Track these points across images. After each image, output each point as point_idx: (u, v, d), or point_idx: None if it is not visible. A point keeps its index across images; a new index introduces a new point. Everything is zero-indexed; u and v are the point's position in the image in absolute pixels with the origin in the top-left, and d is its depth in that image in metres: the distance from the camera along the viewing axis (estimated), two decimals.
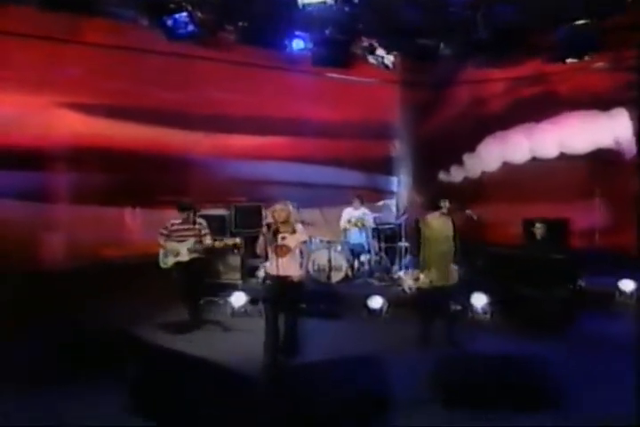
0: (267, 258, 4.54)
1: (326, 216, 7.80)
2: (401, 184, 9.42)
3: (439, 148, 8.90)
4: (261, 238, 4.51)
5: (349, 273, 6.61)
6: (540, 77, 8.31)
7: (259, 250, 4.61)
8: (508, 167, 8.65)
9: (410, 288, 5.90)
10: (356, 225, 6.95)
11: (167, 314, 5.96)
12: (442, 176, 9.17)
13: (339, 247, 6.78)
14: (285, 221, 4.45)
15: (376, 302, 5.76)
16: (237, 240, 5.52)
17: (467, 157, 9.04)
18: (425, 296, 4.86)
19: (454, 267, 4.74)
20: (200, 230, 5.71)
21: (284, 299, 4.49)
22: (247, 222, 7.61)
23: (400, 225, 6.89)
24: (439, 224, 4.75)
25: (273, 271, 4.46)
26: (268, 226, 4.43)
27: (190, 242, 5.62)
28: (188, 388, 3.38)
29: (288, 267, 4.47)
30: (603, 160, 7.83)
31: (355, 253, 6.99)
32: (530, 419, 3.41)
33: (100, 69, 7.23)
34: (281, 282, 4.45)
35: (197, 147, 8.44)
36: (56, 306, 5.46)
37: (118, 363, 3.93)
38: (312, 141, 8.99)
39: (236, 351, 4.78)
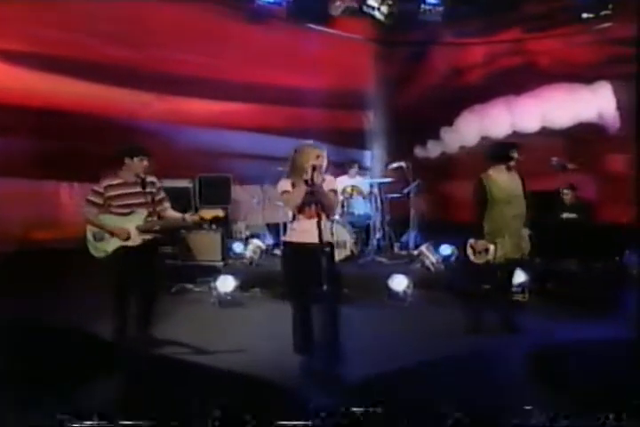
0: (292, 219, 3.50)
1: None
2: (374, 159, 8.76)
3: (415, 121, 8.39)
4: (301, 188, 3.32)
5: (354, 250, 5.75)
6: (521, 48, 8.03)
7: (292, 205, 3.42)
8: (487, 142, 8.29)
9: (433, 265, 5.22)
10: (351, 195, 6.14)
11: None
12: (418, 151, 8.65)
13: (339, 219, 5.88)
14: (319, 169, 3.37)
15: (399, 282, 4.87)
16: (220, 212, 3.95)
17: (444, 131, 8.58)
18: (491, 273, 4.07)
19: (527, 232, 4.02)
20: (153, 196, 3.89)
21: (320, 277, 3.30)
22: (215, 197, 6.68)
23: (408, 195, 6.15)
24: (508, 181, 4.00)
25: (307, 238, 3.31)
26: (314, 169, 3.28)
27: (140, 215, 3.82)
28: None
29: (326, 231, 3.33)
30: (585, 134, 7.67)
31: (357, 226, 6.11)
32: None
33: (34, 13, 6.10)
34: (319, 252, 3.26)
35: (148, 110, 7.37)
36: None
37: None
38: (278, 110, 8.22)
39: (242, 353, 3.75)
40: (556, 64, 7.84)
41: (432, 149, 8.63)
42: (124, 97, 7.16)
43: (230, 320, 4.68)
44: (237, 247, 6.18)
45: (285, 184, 3.49)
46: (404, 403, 2.71)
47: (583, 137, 7.66)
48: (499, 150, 4.07)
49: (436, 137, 8.64)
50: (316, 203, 3.35)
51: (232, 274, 5.09)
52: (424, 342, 3.95)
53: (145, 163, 3.84)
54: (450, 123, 8.53)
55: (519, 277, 4.80)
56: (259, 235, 6.63)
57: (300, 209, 3.41)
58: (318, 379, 3.28)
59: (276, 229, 6.35)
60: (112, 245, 3.83)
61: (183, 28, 7.22)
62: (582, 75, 7.68)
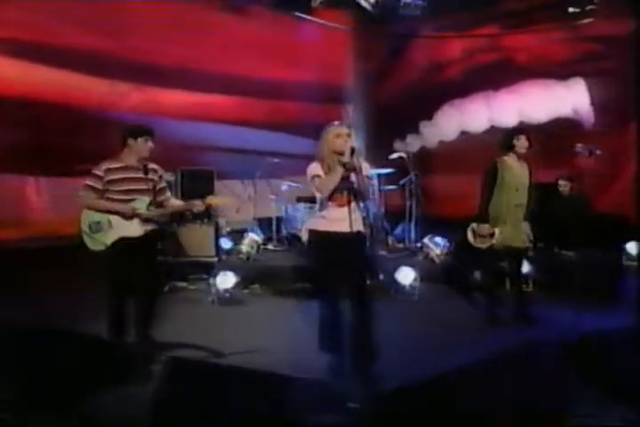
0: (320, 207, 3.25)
1: (274, 190, 6.84)
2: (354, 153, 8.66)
3: (394, 115, 8.36)
4: (338, 172, 3.08)
5: None
6: (499, 44, 8.15)
7: (326, 190, 3.15)
8: (466, 137, 8.37)
9: (438, 257, 5.18)
10: None
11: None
12: (397, 145, 8.62)
13: None
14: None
15: (406, 275, 4.75)
16: (229, 199, 3.78)
17: (423, 126, 8.60)
18: (496, 259, 4.10)
19: (528, 225, 4.05)
20: (155, 184, 3.61)
21: (352, 268, 3.20)
22: (197, 190, 6.40)
23: (404, 186, 6.07)
24: (518, 169, 4.04)
25: (338, 227, 3.14)
26: (353, 151, 3.04)
27: (143, 203, 3.54)
28: None
29: (357, 219, 3.16)
30: (561, 129, 7.86)
31: None
32: None
33: None
34: (351, 242, 3.14)
35: (125, 101, 7.02)
36: None
37: None
38: (257, 103, 8.00)
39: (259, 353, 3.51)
40: (533, 60, 8.01)
41: (412, 143, 8.64)
42: (100, 87, 6.77)
43: (235, 319, 4.47)
44: (225, 244, 5.95)
45: (316, 168, 3.21)
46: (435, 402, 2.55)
47: (559, 132, 7.86)
48: (503, 138, 4.09)
49: (416, 131, 8.65)
50: (348, 189, 3.16)
51: (229, 270, 4.86)
52: (442, 336, 3.88)
53: (150, 144, 3.54)
54: (429, 117, 8.55)
55: (524, 267, 4.84)
56: (246, 230, 6.41)
57: (331, 196, 3.17)
58: (351, 378, 3.14)
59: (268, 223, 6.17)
60: (111, 236, 3.50)
61: (161, 15, 6.94)
62: (558, 71, 7.88)
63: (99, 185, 3.51)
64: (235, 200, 3.77)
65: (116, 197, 3.52)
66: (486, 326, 4.07)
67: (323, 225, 3.26)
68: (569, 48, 7.78)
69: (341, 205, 3.17)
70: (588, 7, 6.54)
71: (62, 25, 6.29)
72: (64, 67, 6.41)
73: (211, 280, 4.80)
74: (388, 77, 8.67)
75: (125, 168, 3.55)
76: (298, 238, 5.88)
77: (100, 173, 3.52)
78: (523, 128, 4.36)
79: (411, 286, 4.77)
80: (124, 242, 3.51)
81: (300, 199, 6.26)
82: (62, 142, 6.42)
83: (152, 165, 3.65)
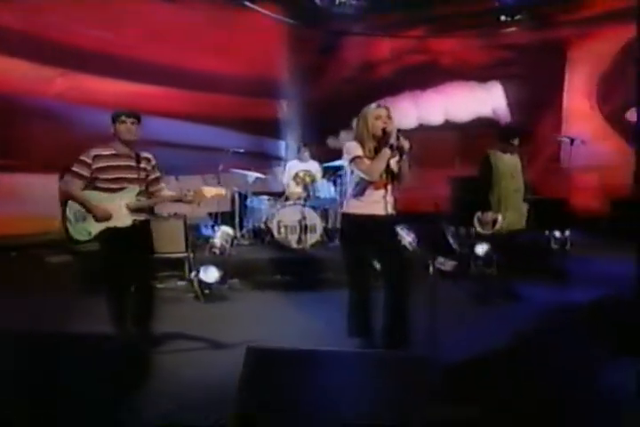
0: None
1: (209, 184, 6.67)
2: (288, 149, 8.66)
3: (328, 111, 8.47)
4: (385, 154, 3.04)
5: (324, 235, 5.61)
6: (427, 47, 8.65)
7: (376, 173, 3.08)
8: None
9: (411, 244, 5.34)
10: (303, 180, 5.98)
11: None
12: (331, 141, 8.76)
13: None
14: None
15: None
16: (222, 190, 3.47)
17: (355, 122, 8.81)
18: (507, 243, 4.33)
19: (526, 206, 4.38)
20: (147, 174, 3.41)
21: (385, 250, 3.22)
22: None
23: None
24: (510, 159, 4.37)
25: (374, 210, 3.12)
26: (399, 137, 3.00)
27: (132, 192, 3.34)
28: None
29: (391, 202, 3.14)
30: (481, 128, 8.54)
31: (320, 209, 5.88)
32: None
33: None
34: (386, 224, 3.15)
35: (50, 87, 6.45)
36: None
37: None
38: (191, 94, 7.71)
39: None
40: (457, 64, 8.60)
41: (345, 139, 8.79)
42: (22, 71, 6.11)
43: (226, 316, 4.26)
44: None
45: (357, 148, 3.14)
46: None
47: (480, 131, 8.53)
48: (502, 137, 4.40)
49: (349, 127, 8.84)
50: (387, 172, 3.16)
51: (208, 265, 4.64)
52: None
53: (133, 127, 3.29)
54: None
55: (484, 249, 5.22)
56: (198, 225, 6.14)
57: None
58: None
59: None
60: (98, 225, 3.26)
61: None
62: (479, 74, 8.56)
63: (86, 172, 3.26)
64: (225, 190, 3.59)
65: (104, 185, 3.28)
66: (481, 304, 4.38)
67: (358, 208, 3.23)
68: (489, 54, 8.48)
69: (378, 188, 3.19)
70: (517, 17, 7.18)
71: None
72: None
73: (192, 276, 4.54)
74: (322, 73, 8.78)
75: (116, 156, 3.30)
76: (264, 231, 5.80)
77: (87, 159, 3.27)
78: (519, 129, 4.75)
79: None
80: (110, 232, 3.26)
81: (256, 194, 6.15)
82: None
83: (145, 154, 3.42)
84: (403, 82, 8.69)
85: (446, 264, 5.04)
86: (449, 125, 8.73)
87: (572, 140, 4.87)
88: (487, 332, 3.55)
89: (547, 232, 5.97)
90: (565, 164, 7.53)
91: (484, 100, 8.65)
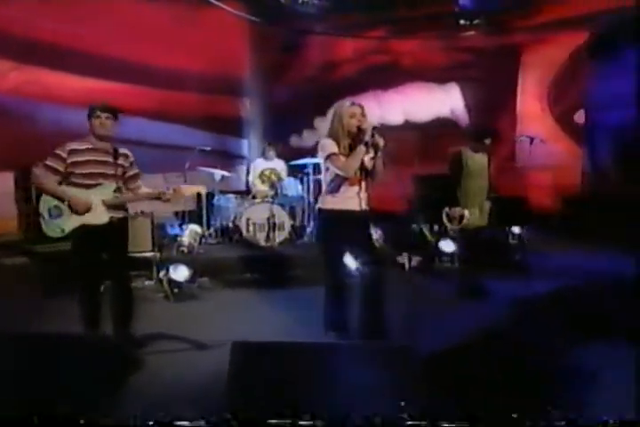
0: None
1: (170, 183, 6.63)
2: (251, 148, 8.63)
3: (291, 110, 8.51)
4: (360, 151, 3.13)
5: (292, 232, 5.64)
6: (388, 47, 8.80)
7: (351, 170, 3.18)
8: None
9: (377, 241, 5.46)
10: (269, 179, 6.00)
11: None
12: (293, 140, 8.80)
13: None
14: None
15: (351, 261, 4.96)
16: (202, 188, 3.53)
17: (318, 121, 8.88)
18: (470, 238, 4.49)
19: (488, 204, 4.54)
20: (125, 170, 3.37)
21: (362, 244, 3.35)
22: None
23: None
24: (480, 157, 4.54)
25: (349, 205, 3.24)
26: (373, 134, 3.11)
27: (108, 189, 3.28)
28: None
29: (365, 198, 3.29)
30: (440, 128, 8.79)
31: (287, 207, 5.90)
32: None
33: None
34: (360, 220, 3.28)
35: (2, 82, 6.26)
36: None
37: None
38: (153, 92, 7.60)
39: None
40: (417, 65, 8.80)
41: (307, 138, 8.87)
42: None
43: (197, 314, 4.24)
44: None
45: (332, 145, 3.23)
46: None
47: (438, 131, 8.77)
48: (476, 136, 4.57)
49: (311, 126, 8.91)
50: (360, 169, 3.25)
51: (177, 263, 4.61)
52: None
53: (108, 122, 3.24)
54: (324, 113, 8.86)
55: (449, 246, 5.42)
56: (164, 224, 6.06)
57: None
58: None
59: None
60: (72, 222, 3.21)
61: None
62: (437, 76, 8.80)
63: (60, 167, 3.21)
64: (204, 188, 3.60)
65: (78, 180, 3.23)
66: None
67: (333, 203, 3.33)
68: (448, 56, 8.71)
69: (353, 184, 3.27)
70: (475, 22, 7.42)
71: None
72: None
73: (161, 275, 4.49)
74: (285, 72, 8.80)
75: (92, 150, 3.26)
76: (233, 229, 5.78)
77: (63, 153, 3.21)
78: (491, 129, 4.93)
79: (357, 269, 4.99)
80: (85, 229, 3.22)
81: (222, 192, 6.12)
82: None
83: (123, 150, 3.40)
84: (365, 82, 8.80)
85: (410, 259, 5.19)
86: (409, 125, 8.92)
87: (532, 140, 5.11)
88: (456, 323, 3.69)
89: (506, 229, 6.24)
90: (520, 163, 7.92)
91: (442, 101, 8.90)
